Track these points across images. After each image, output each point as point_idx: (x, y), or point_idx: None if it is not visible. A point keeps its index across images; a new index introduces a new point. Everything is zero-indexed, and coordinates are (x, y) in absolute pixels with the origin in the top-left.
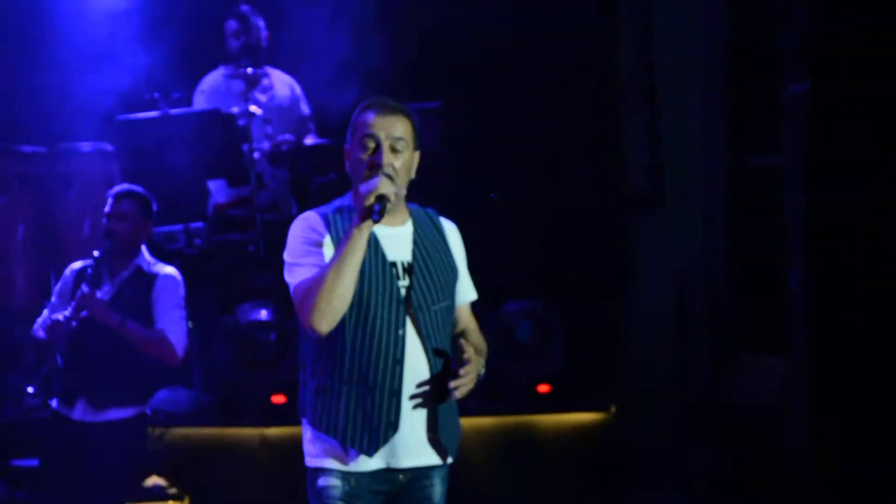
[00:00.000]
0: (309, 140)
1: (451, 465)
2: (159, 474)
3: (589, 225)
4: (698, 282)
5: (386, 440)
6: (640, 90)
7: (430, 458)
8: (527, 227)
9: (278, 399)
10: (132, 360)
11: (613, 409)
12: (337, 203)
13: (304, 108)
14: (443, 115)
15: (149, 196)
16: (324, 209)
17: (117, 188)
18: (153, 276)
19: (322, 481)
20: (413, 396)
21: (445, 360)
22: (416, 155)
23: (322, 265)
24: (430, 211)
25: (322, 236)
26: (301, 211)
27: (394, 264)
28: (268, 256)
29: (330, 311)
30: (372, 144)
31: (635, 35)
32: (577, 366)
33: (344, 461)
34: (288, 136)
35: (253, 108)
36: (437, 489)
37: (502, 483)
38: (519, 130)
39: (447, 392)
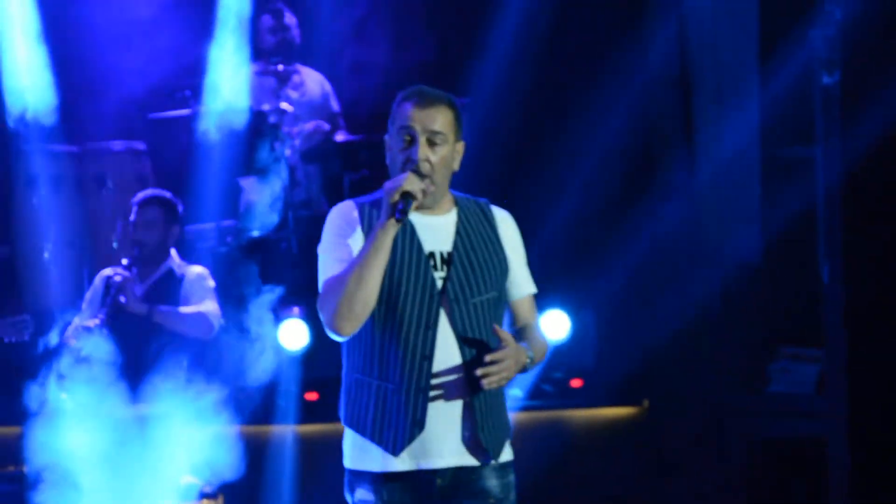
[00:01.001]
0: (340, 137)
1: (511, 461)
2: (193, 472)
3: (623, 217)
4: (734, 274)
5: (411, 439)
6: (673, 80)
7: (467, 458)
8: (558, 220)
9: (311, 396)
10: (159, 357)
11: (647, 403)
12: (377, 193)
13: (335, 105)
14: (473, 111)
15: (174, 200)
16: (362, 199)
17: (141, 195)
18: (182, 278)
19: (358, 494)
20: (444, 394)
21: (481, 351)
22: (460, 146)
23: (348, 261)
24: (482, 200)
25: (353, 229)
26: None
27: (431, 255)
28: (300, 254)
29: (351, 316)
30: (408, 138)
31: (669, 28)
32: (610, 360)
33: (376, 462)
34: (323, 125)
35: (284, 105)
36: (492, 490)
37: (535, 477)
38: (550, 127)
39: (477, 381)
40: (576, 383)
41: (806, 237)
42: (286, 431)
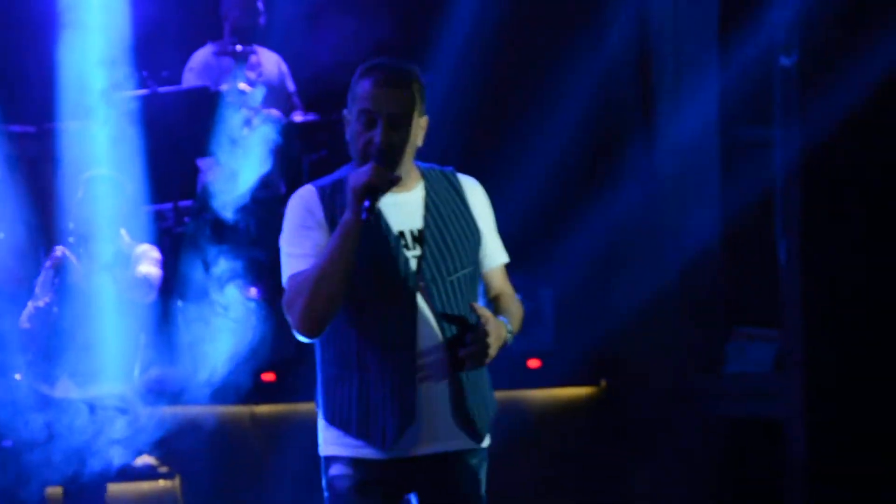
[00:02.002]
0: (298, 117)
1: (488, 446)
2: (150, 453)
3: (582, 199)
4: (691, 255)
5: (402, 431)
6: (633, 62)
7: (460, 441)
8: (517, 201)
9: (268, 377)
10: (109, 337)
11: (604, 383)
12: (338, 174)
13: (290, 85)
14: (432, 90)
15: (121, 176)
16: (322, 182)
17: (87, 173)
18: (130, 255)
19: (334, 469)
20: (430, 379)
21: (461, 328)
22: (424, 120)
23: (312, 255)
24: (448, 170)
25: (315, 218)
26: (291, 189)
27: (401, 234)
28: (259, 234)
29: (319, 317)
30: (369, 120)
31: (629, 10)
32: (567, 341)
33: (359, 450)
34: (278, 114)
35: (242, 86)
36: (468, 475)
37: (492, 458)
38: (510, 108)
39: (461, 362)
40: (533, 363)
41: (764, 218)
42: (243, 412)
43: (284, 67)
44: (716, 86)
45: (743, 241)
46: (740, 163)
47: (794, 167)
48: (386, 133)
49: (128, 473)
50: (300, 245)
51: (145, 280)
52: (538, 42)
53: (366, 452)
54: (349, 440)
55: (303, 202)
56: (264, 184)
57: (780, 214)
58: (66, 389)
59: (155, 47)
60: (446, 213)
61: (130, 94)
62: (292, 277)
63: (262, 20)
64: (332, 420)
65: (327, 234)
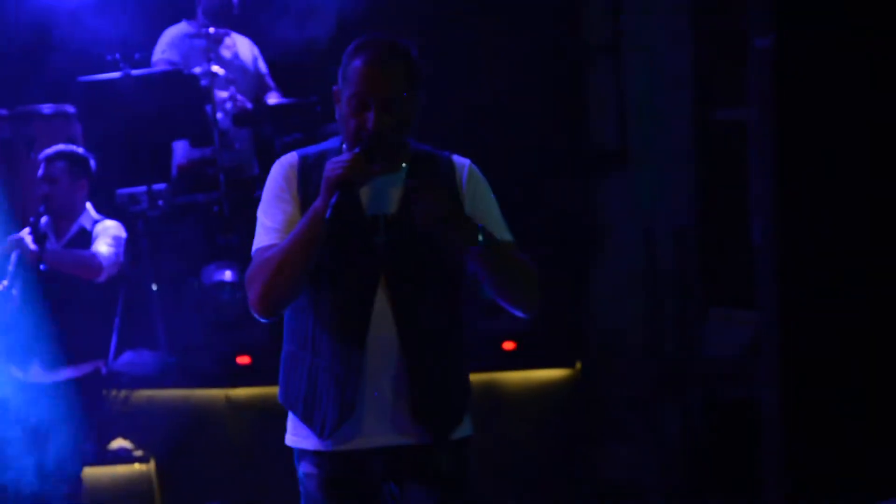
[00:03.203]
0: (272, 99)
1: (467, 438)
2: (125, 436)
3: (555, 181)
4: (666, 236)
5: (340, 423)
6: (606, 45)
7: (415, 436)
8: (494, 184)
9: (243, 360)
10: (80, 320)
11: (579, 365)
12: (326, 144)
13: (263, 67)
14: None
15: (82, 154)
16: (307, 151)
17: (47, 151)
18: (93, 232)
19: (302, 468)
20: (381, 372)
21: (423, 324)
22: (418, 99)
23: (281, 229)
24: (445, 154)
25: (290, 190)
26: (265, 172)
27: (375, 218)
28: (232, 217)
29: (273, 303)
30: (361, 103)
31: None
32: (542, 323)
33: (312, 441)
34: (247, 104)
35: (215, 69)
36: (443, 467)
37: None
38: (482, 86)
39: (418, 359)
40: (509, 346)
41: (739, 198)
42: (218, 395)
43: (256, 50)
44: (690, 67)
45: (719, 222)
46: (715, 144)
47: (767, 148)
48: (379, 117)
49: (102, 457)
50: (272, 217)
51: (91, 257)
52: (510, 28)
53: (323, 446)
54: (302, 428)
55: (282, 172)
56: (237, 167)
57: (754, 195)
58: (37, 374)
59: (128, 29)
60: (428, 198)
61: (103, 77)
62: (258, 251)
63: (235, 3)
64: (283, 398)
65: (299, 209)
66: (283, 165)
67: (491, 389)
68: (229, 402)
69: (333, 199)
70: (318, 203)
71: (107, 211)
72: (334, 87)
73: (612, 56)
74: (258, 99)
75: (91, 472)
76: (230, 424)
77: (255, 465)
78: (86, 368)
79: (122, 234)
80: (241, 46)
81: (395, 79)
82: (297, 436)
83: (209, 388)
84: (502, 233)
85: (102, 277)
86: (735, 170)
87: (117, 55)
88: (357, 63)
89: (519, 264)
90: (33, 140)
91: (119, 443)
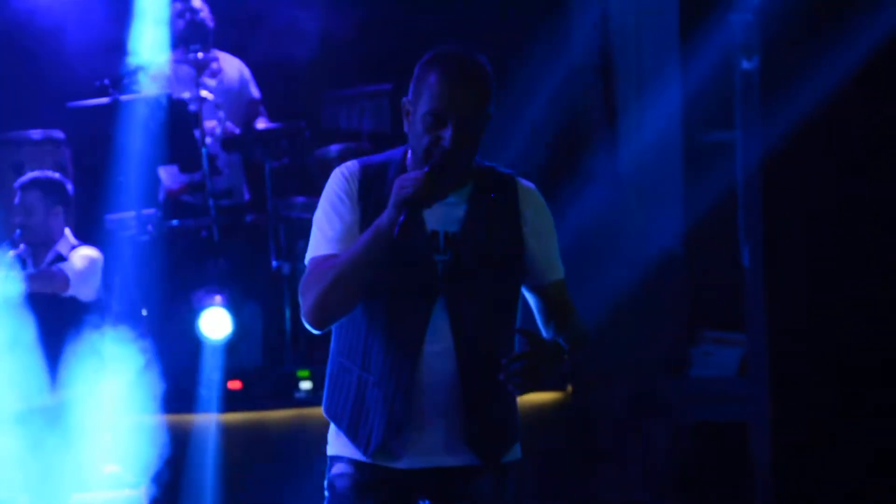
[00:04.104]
0: (261, 124)
1: (515, 462)
2: (116, 462)
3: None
4: (656, 259)
5: (385, 442)
6: (595, 66)
7: (463, 457)
8: None
9: (234, 385)
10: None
11: (570, 388)
12: (389, 155)
13: (254, 92)
14: (396, 97)
15: (58, 180)
16: (370, 160)
17: (21, 178)
18: (71, 252)
19: (336, 468)
20: (432, 391)
21: (480, 344)
22: (490, 112)
23: (340, 239)
24: (508, 172)
25: (352, 199)
26: (254, 196)
27: (435, 234)
28: (221, 242)
29: (326, 315)
30: (438, 120)
31: (590, 13)
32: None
33: (355, 452)
34: (236, 129)
35: (204, 94)
36: (487, 489)
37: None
38: None
39: (471, 380)
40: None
41: (728, 220)
42: (209, 420)
43: (247, 73)
44: (678, 89)
45: (707, 245)
46: (703, 165)
47: (755, 170)
48: (456, 135)
49: (93, 482)
50: (330, 225)
51: (58, 270)
52: (500, 48)
53: (367, 458)
54: (344, 439)
55: (342, 180)
56: (226, 191)
57: (743, 217)
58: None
59: (116, 55)
60: (490, 218)
61: (92, 102)
62: (316, 260)
63: (203, 20)
64: (328, 410)
65: (359, 219)
66: (344, 174)
67: None
68: (221, 427)
69: (402, 218)
70: (382, 220)
71: (96, 236)
72: (403, 99)
73: (601, 75)
74: (247, 124)
75: (82, 498)
76: (222, 449)
77: (246, 490)
78: (81, 391)
79: (97, 255)
80: (229, 70)
81: (473, 96)
82: (337, 446)
83: (200, 414)
84: (554, 268)
85: (70, 291)
86: (724, 192)
87: (106, 81)
88: (433, 77)
89: (579, 331)
90: (22, 165)
91: (110, 467)
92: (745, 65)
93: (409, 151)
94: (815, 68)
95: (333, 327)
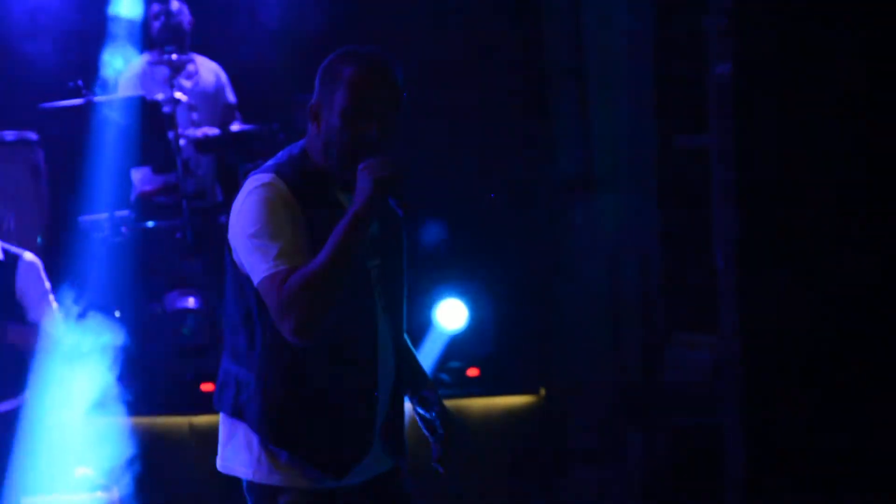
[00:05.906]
0: (235, 126)
1: None
2: (87, 465)
3: (519, 208)
4: (629, 262)
5: (360, 459)
6: (569, 74)
7: (390, 461)
8: (456, 210)
9: (207, 387)
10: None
11: (543, 391)
12: (287, 159)
13: (230, 96)
14: None
15: None
16: (280, 168)
17: None
18: (14, 258)
19: (283, 501)
20: (383, 401)
21: (401, 343)
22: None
23: (303, 251)
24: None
25: (293, 210)
26: (228, 198)
27: (372, 240)
28: (195, 244)
29: (320, 320)
30: (360, 113)
31: (563, 17)
32: (506, 349)
33: (310, 479)
34: (213, 131)
35: (178, 95)
36: (406, 488)
37: (431, 466)
38: (445, 115)
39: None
40: (472, 372)
41: (701, 224)
42: (181, 422)
43: (224, 77)
44: (652, 92)
45: (682, 248)
46: (677, 169)
47: (728, 174)
48: (380, 126)
49: (64, 485)
50: (284, 238)
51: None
52: (471, 53)
53: (317, 483)
54: (297, 467)
55: (275, 193)
56: (200, 193)
57: (716, 221)
58: None
59: (90, 55)
60: (391, 224)
61: (66, 103)
62: (281, 273)
63: (181, 22)
64: (274, 440)
65: (304, 229)
66: (273, 187)
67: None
68: (193, 429)
69: (403, 200)
70: (357, 208)
71: (69, 238)
72: (311, 103)
73: (574, 80)
74: (222, 126)
75: (53, 501)
76: (194, 452)
77: (219, 494)
78: (11, 404)
79: (40, 263)
80: (205, 73)
81: (392, 92)
82: (286, 476)
83: (173, 416)
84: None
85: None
86: (697, 196)
87: (79, 82)
88: (351, 73)
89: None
90: None
91: (81, 470)
92: (719, 69)
93: (307, 151)
94: (790, 73)
95: (260, 355)
